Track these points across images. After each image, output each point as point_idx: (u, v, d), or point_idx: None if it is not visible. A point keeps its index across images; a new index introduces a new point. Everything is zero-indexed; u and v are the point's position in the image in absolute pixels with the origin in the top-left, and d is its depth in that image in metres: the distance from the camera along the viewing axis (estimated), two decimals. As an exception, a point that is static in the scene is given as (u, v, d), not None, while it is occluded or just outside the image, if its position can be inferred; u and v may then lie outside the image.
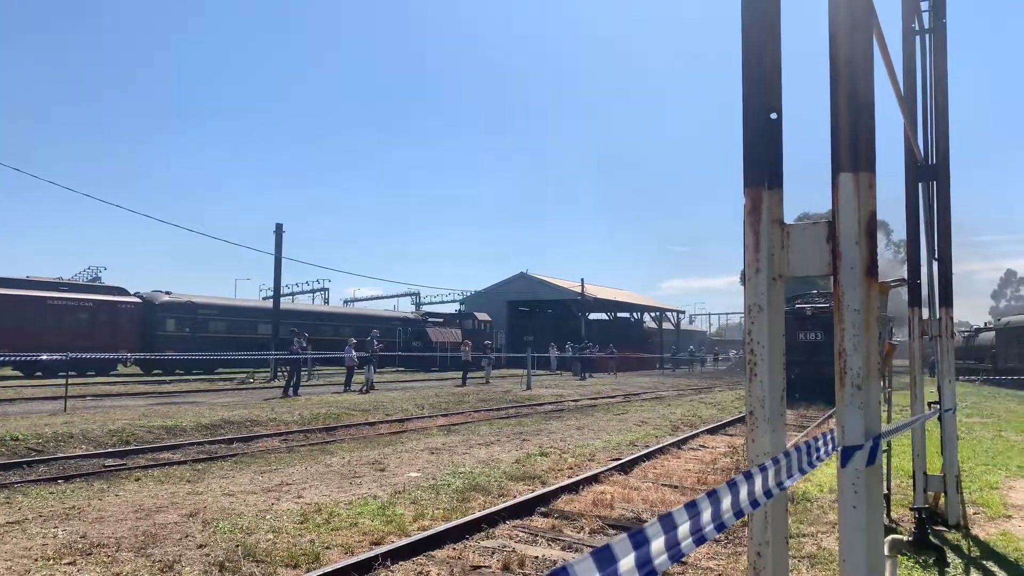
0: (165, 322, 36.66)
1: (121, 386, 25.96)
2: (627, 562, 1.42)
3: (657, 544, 1.52)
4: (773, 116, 2.44)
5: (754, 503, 1.97)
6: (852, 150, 2.26)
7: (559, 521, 7.70)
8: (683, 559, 6.07)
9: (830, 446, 2.58)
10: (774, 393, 2.45)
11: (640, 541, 1.47)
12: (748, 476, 1.94)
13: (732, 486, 1.85)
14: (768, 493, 2.07)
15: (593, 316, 62.07)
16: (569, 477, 9.80)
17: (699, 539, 1.70)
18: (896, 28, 7.56)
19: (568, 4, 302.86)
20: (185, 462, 11.16)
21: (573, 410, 21.38)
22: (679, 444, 13.74)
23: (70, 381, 19.06)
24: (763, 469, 2.02)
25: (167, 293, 37.91)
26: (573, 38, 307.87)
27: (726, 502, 1.82)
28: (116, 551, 6.31)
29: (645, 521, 5.31)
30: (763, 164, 2.43)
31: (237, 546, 6.42)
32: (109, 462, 11.16)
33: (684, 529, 1.64)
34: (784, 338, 2.51)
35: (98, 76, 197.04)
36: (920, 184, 7.40)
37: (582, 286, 53.78)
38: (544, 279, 60.81)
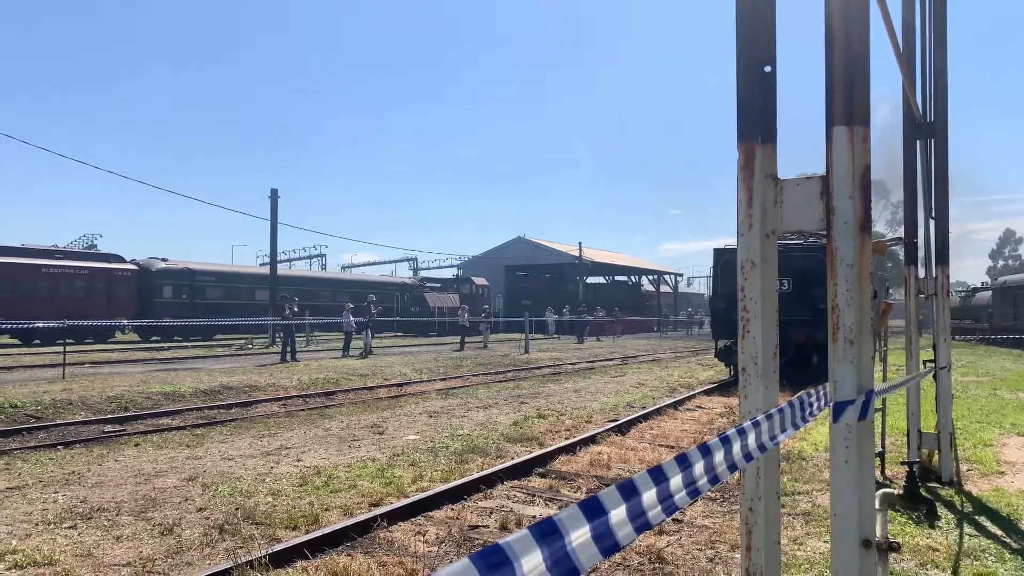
0: (162, 289, 36.63)
1: (119, 353, 26.02)
2: (618, 513, 1.42)
3: (649, 496, 1.52)
4: (767, 69, 2.40)
5: (747, 456, 1.98)
6: (847, 102, 2.23)
7: (556, 481, 7.78)
8: (677, 515, 6.14)
9: (822, 402, 2.59)
10: (767, 350, 2.45)
11: (629, 492, 1.47)
12: (741, 431, 1.94)
13: (724, 441, 1.86)
14: (761, 447, 2.07)
15: (591, 279, 62.09)
16: (566, 438, 9.87)
17: (693, 492, 1.70)
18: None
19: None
20: (184, 427, 11.22)
21: (571, 373, 21.48)
22: (676, 405, 13.83)
23: (68, 349, 19.08)
24: (756, 424, 2.02)
25: (164, 260, 37.82)
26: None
27: (718, 456, 1.82)
28: (116, 515, 6.37)
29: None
30: (757, 118, 2.40)
31: (236, 509, 6.48)
32: (108, 428, 11.23)
33: (676, 481, 1.64)
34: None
35: (92, 43, 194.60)
36: (918, 142, 7.35)
37: (580, 249, 53.62)
38: (542, 243, 60.71)
